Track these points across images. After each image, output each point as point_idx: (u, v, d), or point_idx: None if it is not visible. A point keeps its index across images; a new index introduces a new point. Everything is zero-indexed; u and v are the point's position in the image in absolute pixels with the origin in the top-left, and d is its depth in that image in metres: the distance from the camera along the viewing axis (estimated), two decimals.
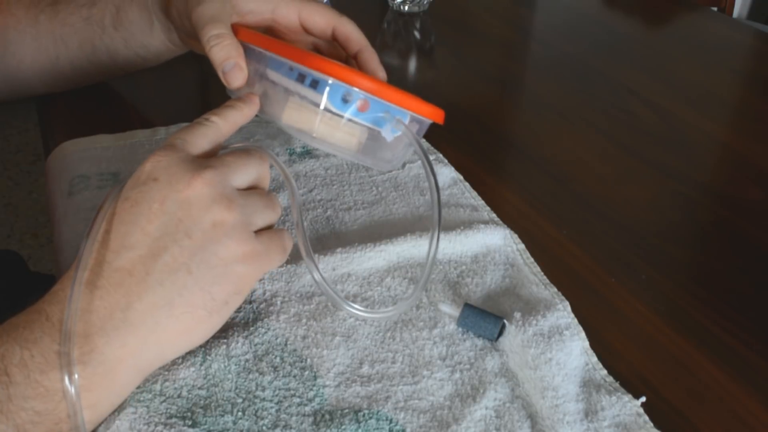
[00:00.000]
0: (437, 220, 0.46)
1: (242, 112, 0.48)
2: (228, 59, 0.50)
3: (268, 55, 0.48)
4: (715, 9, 1.89)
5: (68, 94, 0.73)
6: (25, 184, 2.19)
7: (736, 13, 2.09)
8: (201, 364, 0.43)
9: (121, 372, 0.40)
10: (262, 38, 0.49)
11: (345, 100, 0.45)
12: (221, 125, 0.46)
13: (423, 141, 0.68)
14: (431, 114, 0.48)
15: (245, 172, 0.45)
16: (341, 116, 0.46)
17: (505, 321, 0.47)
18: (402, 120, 0.47)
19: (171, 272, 0.40)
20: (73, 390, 0.37)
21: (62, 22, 0.67)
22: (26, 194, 2.15)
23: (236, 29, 0.51)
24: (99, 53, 0.68)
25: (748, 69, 0.96)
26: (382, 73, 0.57)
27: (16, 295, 0.85)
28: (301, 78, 0.46)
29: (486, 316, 0.47)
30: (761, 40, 1.01)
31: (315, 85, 0.45)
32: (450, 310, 0.48)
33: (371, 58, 0.57)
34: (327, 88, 0.45)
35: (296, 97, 0.46)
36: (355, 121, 0.46)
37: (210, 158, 0.44)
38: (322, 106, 0.45)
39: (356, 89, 0.45)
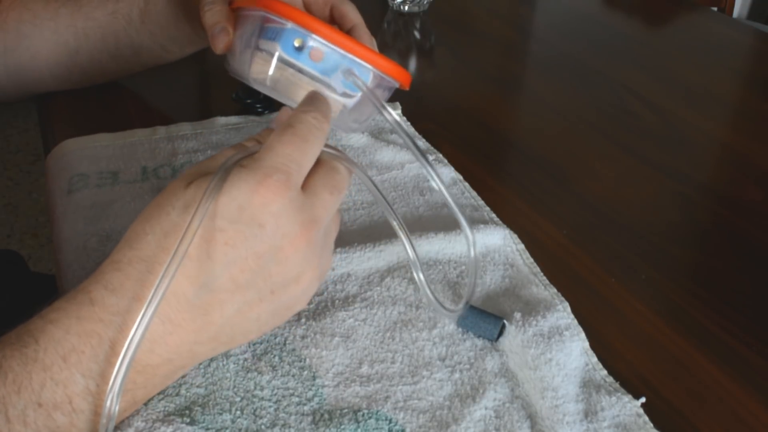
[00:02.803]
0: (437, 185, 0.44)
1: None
2: (217, 23, 0.52)
3: (248, 16, 0.49)
4: (715, 9, 1.89)
5: (69, 93, 0.73)
6: (25, 184, 2.19)
7: (736, 13, 2.09)
8: (200, 363, 0.43)
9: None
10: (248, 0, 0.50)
11: (298, 49, 0.44)
12: (326, 128, 0.41)
13: (421, 140, 0.68)
14: (390, 70, 0.46)
15: (336, 208, 0.42)
16: (295, 66, 0.45)
17: (505, 321, 0.47)
18: (354, 71, 0.45)
19: (243, 320, 0.40)
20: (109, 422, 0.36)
21: (86, 16, 0.67)
22: (26, 194, 2.15)
23: (232, 1, 0.53)
24: (122, 47, 0.68)
25: (748, 69, 0.96)
26: None
27: (16, 295, 0.85)
28: (269, 34, 0.46)
29: (486, 317, 0.47)
30: (761, 40, 1.01)
31: (275, 37, 0.45)
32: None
33: (363, 36, 0.57)
34: (282, 36, 0.45)
35: (264, 53, 0.46)
36: (307, 71, 0.45)
37: (316, 204, 0.40)
38: (276, 54, 0.45)
39: (306, 32, 0.44)
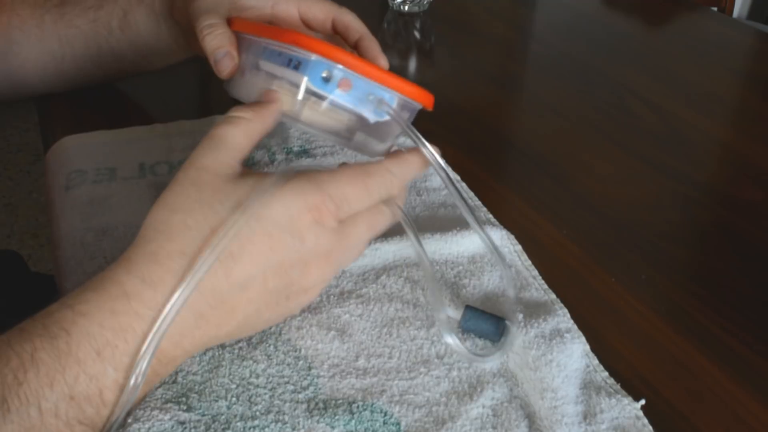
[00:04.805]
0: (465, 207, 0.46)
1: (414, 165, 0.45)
2: (220, 48, 0.50)
3: (254, 40, 0.47)
4: (715, 9, 1.89)
5: (68, 93, 0.72)
6: (25, 184, 2.19)
7: (736, 13, 2.09)
8: None
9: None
10: (252, 25, 0.49)
11: (326, 80, 0.43)
12: (395, 194, 0.44)
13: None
14: (417, 95, 0.46)
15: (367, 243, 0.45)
16: (324, 97, 0.44)
17: (507, 322, 0.46)
18: (384, 99, 0.44)
19: (256, 319, 0.41)
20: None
21: (68, 24, 0.66)
22: (26, 194, 2.15)
23: (231, 21, 0.51)
24: (104, 55, 0.67)
25: (748, 69, 0.95)
26: (383, 61, 0.56)
27: (16, 295, 0.85)
28: (288, 63, 0.44)
29: (487, 318, 0.46)
30: (761, 40, 1.01)
31: (298, 66, 0.44)
32: (451, 313, 0.48)
33: (371, 45, 0.56)
34: (308, 67, 0.43)
35: (283, 81, 0.44)
36: (337, 102, 0.44)
37: (352, 234, 0.42)
38: (303, 86, 0.43)
39: (334, 63, 0.43)
